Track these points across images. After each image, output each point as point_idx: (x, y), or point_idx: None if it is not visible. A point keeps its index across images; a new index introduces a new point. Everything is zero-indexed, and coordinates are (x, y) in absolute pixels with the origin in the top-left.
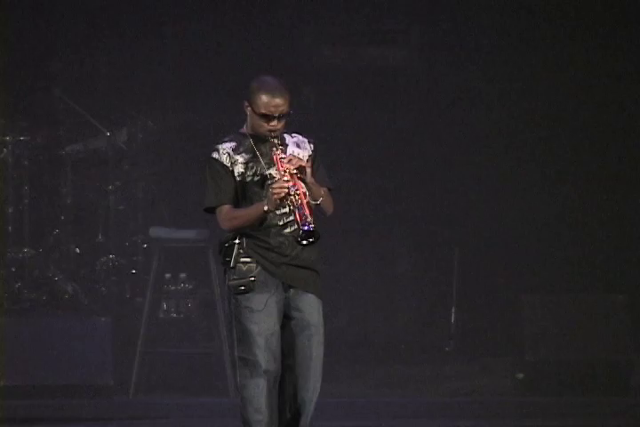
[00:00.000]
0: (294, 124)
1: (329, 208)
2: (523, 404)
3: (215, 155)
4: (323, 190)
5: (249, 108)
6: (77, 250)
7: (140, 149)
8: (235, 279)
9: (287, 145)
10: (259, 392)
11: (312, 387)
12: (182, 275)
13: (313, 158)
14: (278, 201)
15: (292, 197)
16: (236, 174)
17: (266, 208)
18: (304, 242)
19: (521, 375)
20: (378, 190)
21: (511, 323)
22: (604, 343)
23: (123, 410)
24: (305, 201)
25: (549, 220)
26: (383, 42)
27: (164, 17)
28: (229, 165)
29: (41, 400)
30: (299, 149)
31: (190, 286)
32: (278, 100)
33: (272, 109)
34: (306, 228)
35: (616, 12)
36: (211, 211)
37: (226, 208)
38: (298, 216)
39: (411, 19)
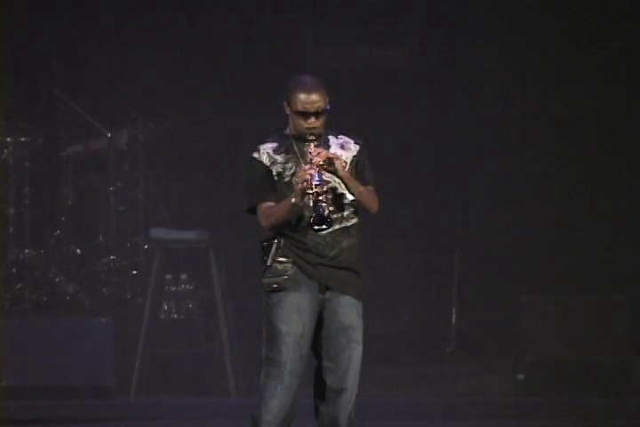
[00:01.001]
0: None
1: (371, 205)
2: (523, 404)
3: (256, 154)
4: (364, 187)
5: (288, 108)
6: (78, 251)
7: (141, 150)
8: (268, 277)
9: (330, 146)
10: (277, 393)
11: (351, 387)
12: (183, 276)
13: (357, 159)
14: (301, 192)
15: (314, 187)
16: (274, 173)
17: (293, 200)
18: (315, 227)
19: (521, 376)
20: (377, 190)
21: (511, 324)
22: (604, 344)
23: (124, 411)
24: (324, 190)
25: (550, 221)
26: (383, 42)
27: (164, 18)
28: (269, 164)
29: (41, 401)
30: (342, 150)
31: (191, 287)
32: (314, 97)
33: (308, 106)
34: (320, 211)
35: (617, 11)
36: (252, 211)
37: (264, 206)
38: (313, 203)
39: (411, 19)
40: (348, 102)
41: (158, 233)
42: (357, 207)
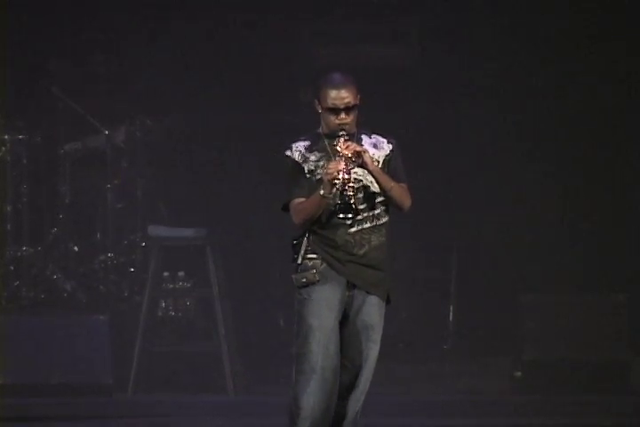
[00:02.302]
0: (291, 126)
1: (403, 202)
2: (520, 403)
3: (288, 152)
4: (395, 183)
5: (319, 106)
6: (76, 248)
7: (139, 147)
8: (299, 273)
9: (362, 146)
10: (310, 389)
11: (362, 386)
12: (180, 273)
13: (390, 158)
14: (329, 183)
15: (340, 177)
16: (306, 171)
17: (322, 192)
18: (341, 215)
19: (519, 374)
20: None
21: (509, 322)
22: (602, 343)
23: (121, 408)
24: (350, 179)
25: (548, 219)
26: (383, 42)
27: (163, 16)
28: (301, 162)
29: (39, 399)
30: (375, 149)
31: (188, 285)
32: (343, 93)
33: (338, 102)
34: (346, 200)
35: (617, 10)
36: (286, 209)
37: (295, 202)
38: (340, 192)
39: (411, 18)
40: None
41: (156, 231)
42: (388, 206)
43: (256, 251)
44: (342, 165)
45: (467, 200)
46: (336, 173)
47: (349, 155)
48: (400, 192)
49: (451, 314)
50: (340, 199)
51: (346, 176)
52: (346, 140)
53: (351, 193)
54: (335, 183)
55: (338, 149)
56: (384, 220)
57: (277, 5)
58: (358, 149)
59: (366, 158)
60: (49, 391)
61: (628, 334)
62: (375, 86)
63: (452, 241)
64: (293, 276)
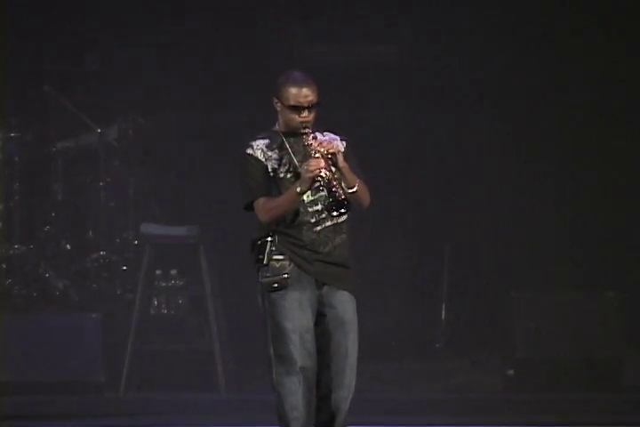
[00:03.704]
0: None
1: (365, 198)
2: (512, 400)
3: (250, 150)
4: (360, 182)
5: (279, 104)
6: (68, 246)
7: (131, 145)
8: (268, 277)
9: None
10: (295, 390)
11: (348, 384)
12: (173, 271)
13: (344, 155)
14: (310, 180)
15: (323, 175)
16: (269, 170)
17: (298, 189)
18: (334, 213)
19: (511, 372)
20: (368, 187)
21: (501, 320)
22: (594, 341)
23: (113, 406)
24: (334, 177)
25: (541, 218)
26: (375, 40)
27: (155, 15)
28: (264, 160)
29: (31, 397)
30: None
31: (181, 283)
32: (306, 91)
33: (301, 100)
34: (336, 196)
35: (617, 10)
36: (250, 208)
37: (262, 200)
38: (327, 189)
39: (403, 16)
40: (340, 100)
41: (148, 229)
42: (348, 204)
43: (248, 249)
44: (323, 163)
45: (459, 199)
46: (318, 171)
47: (325, 152)
48: (363, 190)
49: (443, 313)
50: (330, 197)
51: (328, 174)
52: (314, 137)
53: (340, 189)
54: (318, 180)
55: (312, 146)
56: (344, 218)
57: (270, 3)
58: (332, 150)
59: (339, 157)
60: (41, 389)
61: (622, 332)
62: (367, 84)
63: (444, 240)
64: (263, 280)
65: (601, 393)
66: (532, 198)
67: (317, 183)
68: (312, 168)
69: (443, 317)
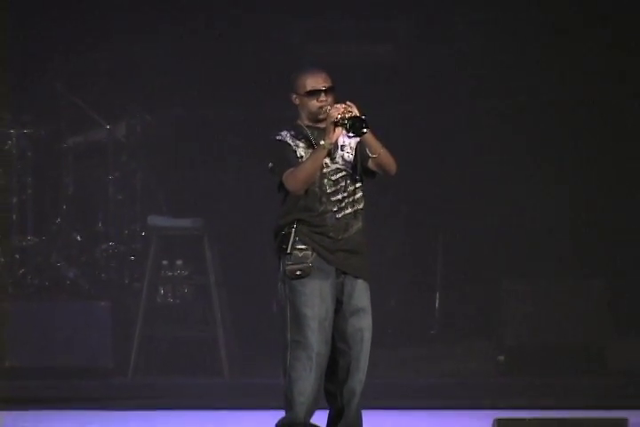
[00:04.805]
0: (283, 121)
1: (391, 164)
2: (503, 384)
3: (279, 137)
4: (384, 149)
5: (297, 98)
6: (78, 238)
7: (138, 141)
8: (291, 264)
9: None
10: (306, 375)
11: (363, 368)
12: (178, 262)
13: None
14: (333, 127)
15: (343, 111)
16: (298, 156)
17: (323, 142)
18: (351, 133)
19: (502, 358)
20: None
21: (493, 308)
22: (581, 327)
23: (121, 390)
24: (352, 113)
25: (530, 208)
26: (372, 39)
27: (162, 13)
28: (293, 145)
29: (43, 381)
30: (347, 138)
31: (186, 273)
32: (322, 75)
33: (318, 84)
34: (354, 115)
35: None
36: (282, 188)
37: (288, 171)
38: (348, 118)
39: (400, 15)
40: (338, 98)
41: (155, 221)
42: (364, 193)
43: (251, 240)
44: (342, 109)
45: (451, 188)
46: (337, 114)
47: (339, 117)
48: (388, 156)
49: (437, 301)
50: (349, 119)
51: (347, 114)
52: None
53: (357, 114)
54: (338, 120)
55: (330, 114)
56: (362, 205)
57: (268, 3)
58: (349, 114)
59: (355, 110)
60: (52, 374)
61: (607, 318)
62: (364, 83)
63: (436, 229)
64: (286, 268)
65: (588, 377)
66: (520, 192)
67: (343, 126)
68: (333, 112)
69: (437, 305)
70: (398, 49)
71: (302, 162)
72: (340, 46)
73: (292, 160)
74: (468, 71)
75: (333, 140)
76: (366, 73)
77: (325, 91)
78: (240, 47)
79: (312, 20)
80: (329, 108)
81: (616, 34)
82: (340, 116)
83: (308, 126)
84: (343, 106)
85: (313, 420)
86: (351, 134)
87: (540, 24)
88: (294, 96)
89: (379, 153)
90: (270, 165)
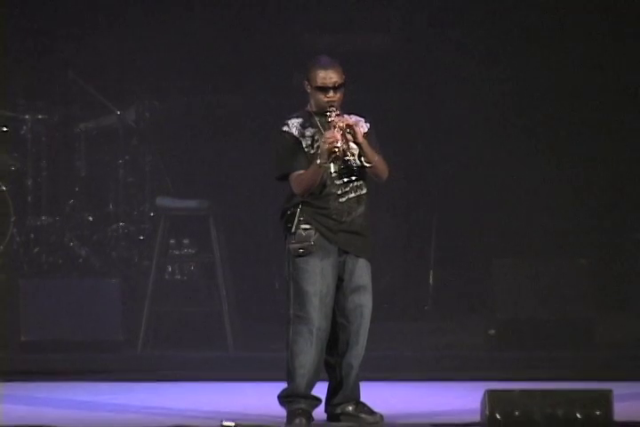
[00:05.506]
0: (285, 107)
1: (382, 173)
2: (494, 357)
3: (285, 128)
4: (378, 156)
5: (308, 86)
6: (90, 218)
7: (147, 126)
8: (294, 243)
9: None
10: (307, 349)
11: (362, 343)
12: (185, 241)
13: (368, 137)
14: (328, 152)
15: (339, 145)
16: (304, 146)
17: (318, 162)
18: (345, 179)
19: (492, 331)
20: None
21: (484, 284)
22: (569, 302)
23: (131, 363)
24: (349, 148)
25: (521, 188)
26: (368, 28)
27: (170, 3)
28: (299, 137)
29: (57, 354)
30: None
31: (193, 251)
32: (331, 73)
33: (326, 81)
34: (348, 164)
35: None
36: (283, 178)
37: (295, 174)
38: (342, 158)
39: (395, 4)
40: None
41: (163, 202)
42: (367, 177)
43: (254, 220)
44: (339, 135)
45: (444, 170)
46: (335, 143)
47: (344, 126)
48: (381, 164)
49: (430, 277)
50: (343, 164)
51: (343, 145)
52: (338, 115)
53: (352, 157)
54: (334, 151)
55: (331, 119)
56: (365, 190)
57: None
58: (350, 122)
59: (357, 131)
60: (65, 347)
61: (593, 294)
62: (362, 72)
63: (430, 209)
64: (290, 246)
65: (575, 351)
66: (510, 173)
67: (334, 155)
68: (329, 140)
69: (430, 281)
70: (392, 37)
71: (304, 173)
72: (335, 35)
73: (295, 155)
74: (467, 60)
75: (327, 162)
76: (363, 61)
77: (333, 88)
78: (242, 37)
79: (308, 10)
80: (333, 114)
81: (615, 29)
82: (337, 145)
83: (315, 112)
84: (339, 135)
85: (314, 391)
86: (344, 180)
87: (537, 13)
88: (306, 83)
89: (373, 161)
90: (275, 155)
